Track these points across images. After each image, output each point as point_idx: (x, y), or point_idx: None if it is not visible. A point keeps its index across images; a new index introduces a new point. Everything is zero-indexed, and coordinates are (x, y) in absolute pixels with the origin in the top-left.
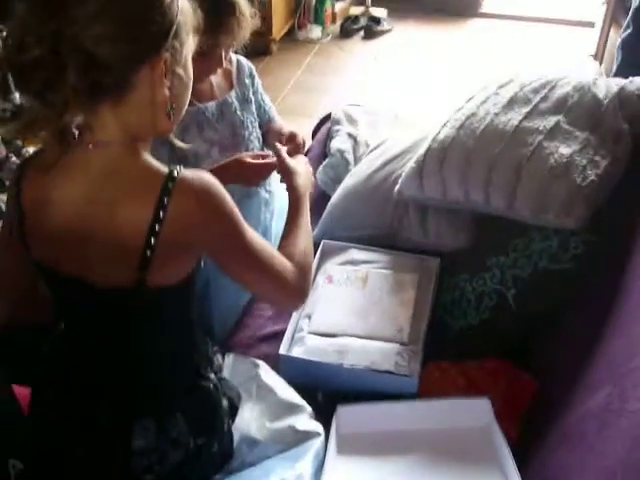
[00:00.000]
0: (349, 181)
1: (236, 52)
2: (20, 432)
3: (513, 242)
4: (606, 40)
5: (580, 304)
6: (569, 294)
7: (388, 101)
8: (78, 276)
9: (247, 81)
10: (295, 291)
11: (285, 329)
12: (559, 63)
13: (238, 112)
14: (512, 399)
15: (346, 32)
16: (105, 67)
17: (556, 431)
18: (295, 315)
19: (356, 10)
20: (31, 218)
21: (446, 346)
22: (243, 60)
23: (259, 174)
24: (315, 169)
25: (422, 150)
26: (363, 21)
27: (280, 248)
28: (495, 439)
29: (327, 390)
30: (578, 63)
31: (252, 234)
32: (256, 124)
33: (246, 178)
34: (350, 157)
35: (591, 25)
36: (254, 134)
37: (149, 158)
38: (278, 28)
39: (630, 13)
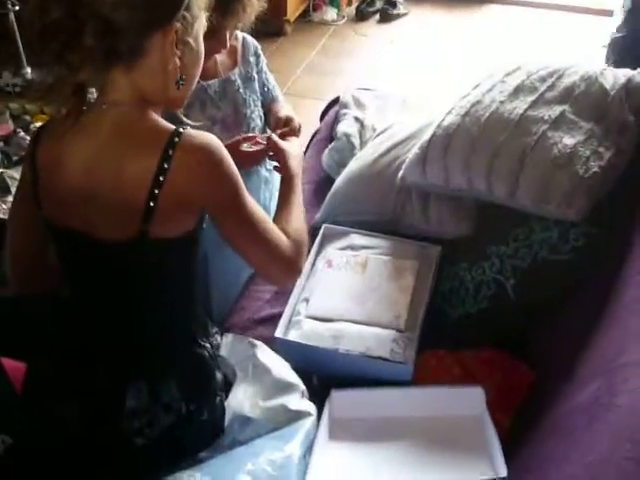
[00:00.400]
0: (353, 165)
1: (250, 33)
2: (10, 407)
3: (514, 232)
4: None
5: (578, 296)
6: (568, 285)
7: (402, 85)
8: (84, 231)
9: (252, 59)
10: (290, 265)
11: (282, 312)
12: (572, 52)
13: (241, 90)
14: (507, 389)
15: (362, 15)
16: (120, 32)
17: (547, 423)
18: (293, 299)
19: None
20: (44, 178)
21: (443, 334)
22: (249, 38)
23: (252, 160)
24: (322, 152)
25: (426, 136)
26: (379, 4)
27: (283, 224)
28: (486, 428)
29: (322, 374)
30: (589, 53)
31: (252, 203)
32: (259, 102)
33: (239, 163)
34: (356, 141)
35: (609, 14)
36: (256, 112)
37: (158, 118)
38: (293, 9)
39: (622, 15)
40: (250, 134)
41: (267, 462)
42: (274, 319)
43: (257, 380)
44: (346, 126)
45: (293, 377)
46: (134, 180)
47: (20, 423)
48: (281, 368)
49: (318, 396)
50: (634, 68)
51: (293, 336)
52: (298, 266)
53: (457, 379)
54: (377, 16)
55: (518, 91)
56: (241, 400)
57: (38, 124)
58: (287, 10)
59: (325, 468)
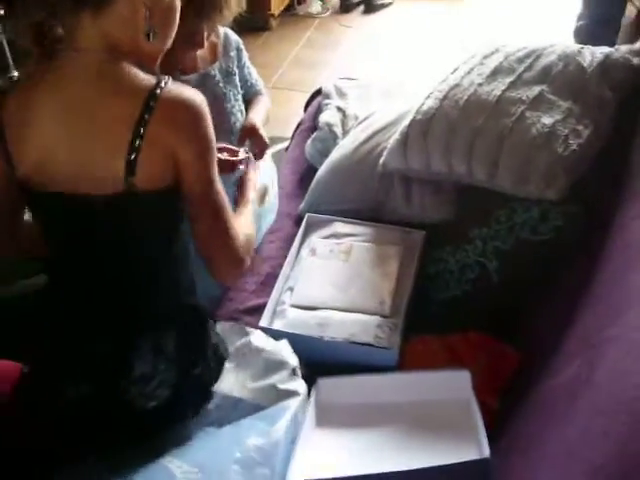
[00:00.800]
0: (335, 154)
1: (235, 28)
2: None
3: (496, 213)
4: None
5: (561, 276)
6: (551, 265)
7: (386, 75)
8: (68, 189)
9: (232, 54)
10: (239, 260)
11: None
12: (561, 34)
13: (221, 84)
14: (494, 372)
15: (346, 7)
16: None
17: (531, 403)
18: (277, 288)
19: None
20: (14, 136)
21: (430, 319)
22: (230, 34)
23: (222, 169)
24: (305, 142)
25: (406, 122)
26: None
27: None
28: (472, 411)
29: (308, 362)
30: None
31: (220, 184)
32: (239, 97)
33: None
34: (338, 130)
35: None
36: (237, 107)
37: (136, 70)
38: (277, 3)
39: (581, 3)
40: (227, 145)
41: (254, 449)
42: (260, 309)
43: (249, 363)
44: (328, 116)
45: (287, 356)
46: (114, 132)
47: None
48: (274, 347)
49: (304, 384)
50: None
51: (278, 325)
52: (245, 264)
53: (444, 363)
54: (362, 7)
55: (496, 73)
56: (232, 384)
57: None
58: (271, 4)
59: (311, 455)
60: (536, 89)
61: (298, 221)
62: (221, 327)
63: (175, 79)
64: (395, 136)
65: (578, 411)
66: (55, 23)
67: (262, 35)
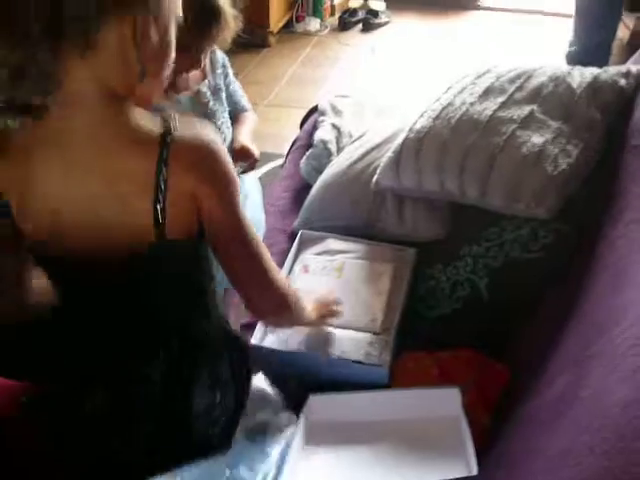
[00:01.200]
0: (329, 172)
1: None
2: None
3: (486, 231)
4: None
5: (550, 293)
6: (540, 283)
7: (383, 93)
8: (88, 252)
9: (219, 71)
10: (280, 294)
11: None
12: (556, 55)
13: (210, 102)
14: (485, 388)
15: (344, 25)
16: (66, 4)
17: (519, 419)
18: None
19: (355, 3)
20: (15, 199)
21: (421, 336)
22: (217, 51)
23: None
24: (300, 159)
25: (399, 140)
26: (361, 14)
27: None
28: (462, 429)
29: (299, 380)
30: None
31: (248, 219)
32: (226, 114)
33: None
34: (333, 147)
35: None
36: (225, 123)
37: (138, 115)
38: (276, 20)
39: (572, 31)
40: None
41: (246, 467)
42: (252, 326)
43: None
44: (323, 133)
45: (268, 391)
46: (133, 188)
47: None
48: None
49: (295, 401)
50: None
51: (269, 342)
52: (286, 298)
53: (435, 380)
54: (360, 25)
55: (488, 93)
56: None
57: None
58: (270, 22)
59: (301, 472)
60: (527, 109)
61: (292, 237)
62: None
63: (169, 99)
64: (388, 154)
65: (563, 428)
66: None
67: (260, 52)
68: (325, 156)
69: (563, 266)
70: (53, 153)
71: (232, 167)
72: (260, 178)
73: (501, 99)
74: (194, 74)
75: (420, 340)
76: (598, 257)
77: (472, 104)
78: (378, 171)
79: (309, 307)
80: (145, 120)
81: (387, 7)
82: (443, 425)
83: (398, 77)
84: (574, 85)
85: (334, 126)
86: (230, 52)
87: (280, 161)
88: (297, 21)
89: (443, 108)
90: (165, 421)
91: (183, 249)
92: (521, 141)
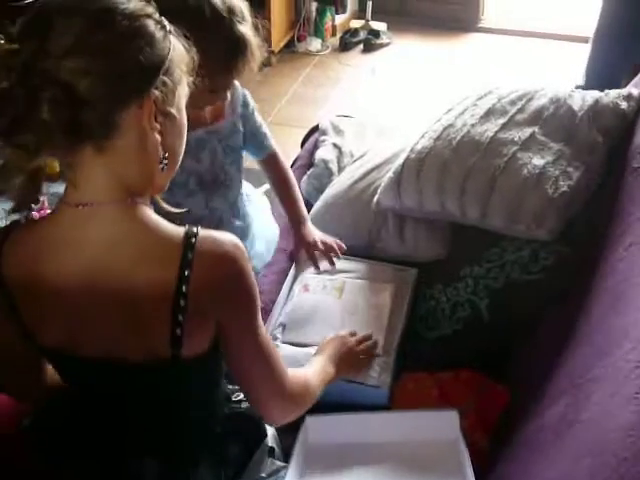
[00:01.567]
0: (329, 192)
1: None
2: None
3: (487, 252)
4: None
5: (550, 315)
6: (540, 305)
7: (384, 113)
8: (101, 356)
9: (240, 110)
10: (290, 403)
11: None
12: (557, 77)
13: (223, 141)
14: (485, 410)
15: (345, 45)
16: (84, 104)
17: (518, 442)
18: (269, 324)
19: (356, 23)
20: (25, 302)
21: (422, 357)
22: (237, 86)
23: None
24: (301, 179)
25: (400, 161)
26: (363, 34)
27: (297, 369)
28: (460, 451)
29: None
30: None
31: (264, 328)
32: (239, 155)
33: None
34: (334, 167)
35: (586, 40)
36: (235, 165)
37: (157, 218)
38: (277, 40)
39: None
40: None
41: None
42: None
43: None
44: (324, 152)
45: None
46: (152, 305)
47: None
48: None
49: (293, 422)
50: (601, 90)
51: None
52: (296, 406)
53: (435, 401)
54: (361, 46)
55: (489, 114)
56: None
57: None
58: (272, 41)
59: None
60: (528, 131)
61: (292, 256)
62: None
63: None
64: (389, 174)
65: (563, 452)
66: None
67: (262, 71)
68: (326, 176)
69: (564, 288)
70: (68, 252)
71: (253, 276)
72: (264, 193)
73: (502, 120)
74: (210, 108)
75: (420, 361)
76: (599, 279)
77: (473, 125)
78: (379, 191)
79: (323, 365)
80: (162, 227)
81: (388, 28)
82: (442, 448)
83: (399, 98)
84: (575, 107)
85: (335, 146)
86: None
87: None
88: (298, 41)
89: (444, 129)
90: None
91: (199, 364)
92: (522, 163)
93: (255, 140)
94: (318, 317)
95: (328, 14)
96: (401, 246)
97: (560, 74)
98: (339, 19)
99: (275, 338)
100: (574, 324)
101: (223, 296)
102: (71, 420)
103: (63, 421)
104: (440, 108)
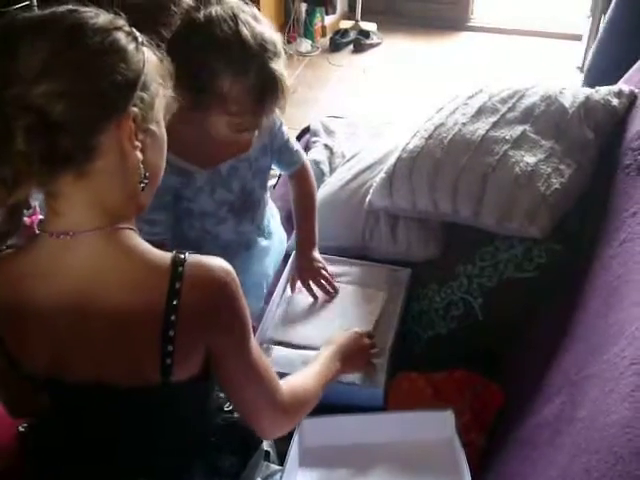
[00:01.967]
0: (322, 192)
1: None
2: None
3: (480, 251)
4: None
5: (545, 313)
6: (534, 303)
7: (375, 114)
8: (94, 380)
9: (269, 134)
10: (284, 419)
11: None
12: (547, 75)
13: (253, 164)
14: (480, 409)
15: (335, 45)
16: (61, 128)
17: (515, 440)
18: (263, 326)
19: (346, 24)
20: (9, 330)
21: (416, 356)
22: None
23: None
24: None
25: (392, 161)
26: (352, 35)
27: (294, 377)
28: (456, 451)
29: None
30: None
31: (256, 346)
32: (269, 171)
33: None
34: (326, 168)
35: (578, 38)
36: (263, 182)
37: (143, 242)
38: None
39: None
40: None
41: None
42: None
43: None
44: (316, 153)
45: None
46: (140, 323)
47: None
48: None
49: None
50: (592, 87)
51: None
52: (289, 421)
53: (430, 401)
54: (351, 46)
55: (480, 113)
56: None
57: None
58: None
59: None
60: (519, 129)
61: (285, 258)
62: None
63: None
64: (381, 174)
65: (560, 449)
66: (25, 194)
67: None
68: (318, 177)
69: (557, 285)
70: (52, 282)
71: (244, 299)
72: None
73: (493, 119)
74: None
75: (415, 360)
76: (592, 276)
77: (464, 124)
78: (371, 191)
79: (329, 362)
80: (147, 253)
81: (378, 28)
82: (437, 447)
83: (389, 98)
84: (566, 105)
85: (326, 146)
86: None
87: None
88: (288, 42)
89: (436, 128)
90: None
91: (190, 385)
92: (514, 161)
93: (283, 156)
94: (311, 318)
95: (318, 15)
96: (394, 246)
97: (550, 72)
98: (329, 20)
99: (270, 340)
100: (569, 321)
101: (213, 323)
102: (63, 440)
103: (55, 441)
104: (431, 107)
